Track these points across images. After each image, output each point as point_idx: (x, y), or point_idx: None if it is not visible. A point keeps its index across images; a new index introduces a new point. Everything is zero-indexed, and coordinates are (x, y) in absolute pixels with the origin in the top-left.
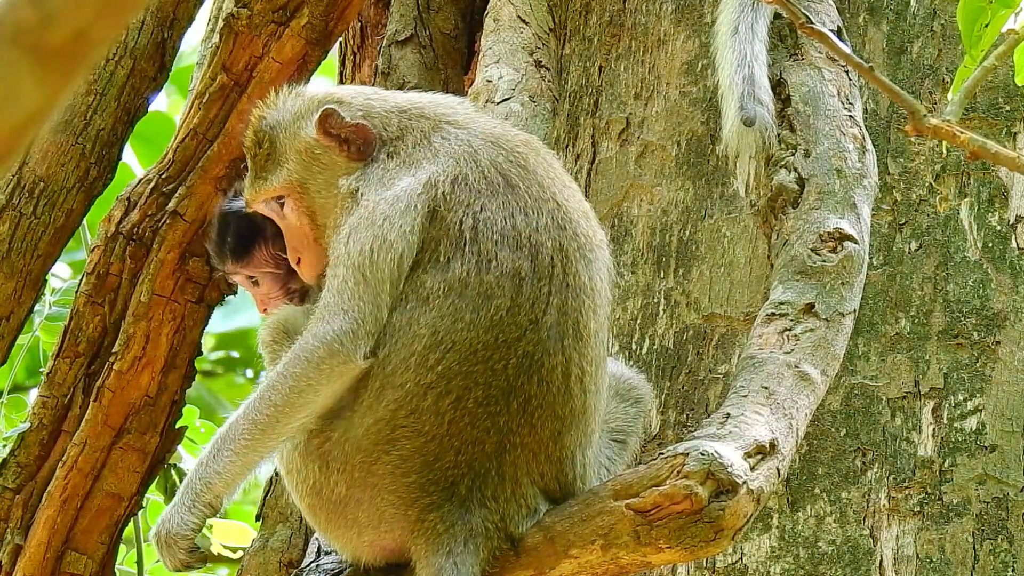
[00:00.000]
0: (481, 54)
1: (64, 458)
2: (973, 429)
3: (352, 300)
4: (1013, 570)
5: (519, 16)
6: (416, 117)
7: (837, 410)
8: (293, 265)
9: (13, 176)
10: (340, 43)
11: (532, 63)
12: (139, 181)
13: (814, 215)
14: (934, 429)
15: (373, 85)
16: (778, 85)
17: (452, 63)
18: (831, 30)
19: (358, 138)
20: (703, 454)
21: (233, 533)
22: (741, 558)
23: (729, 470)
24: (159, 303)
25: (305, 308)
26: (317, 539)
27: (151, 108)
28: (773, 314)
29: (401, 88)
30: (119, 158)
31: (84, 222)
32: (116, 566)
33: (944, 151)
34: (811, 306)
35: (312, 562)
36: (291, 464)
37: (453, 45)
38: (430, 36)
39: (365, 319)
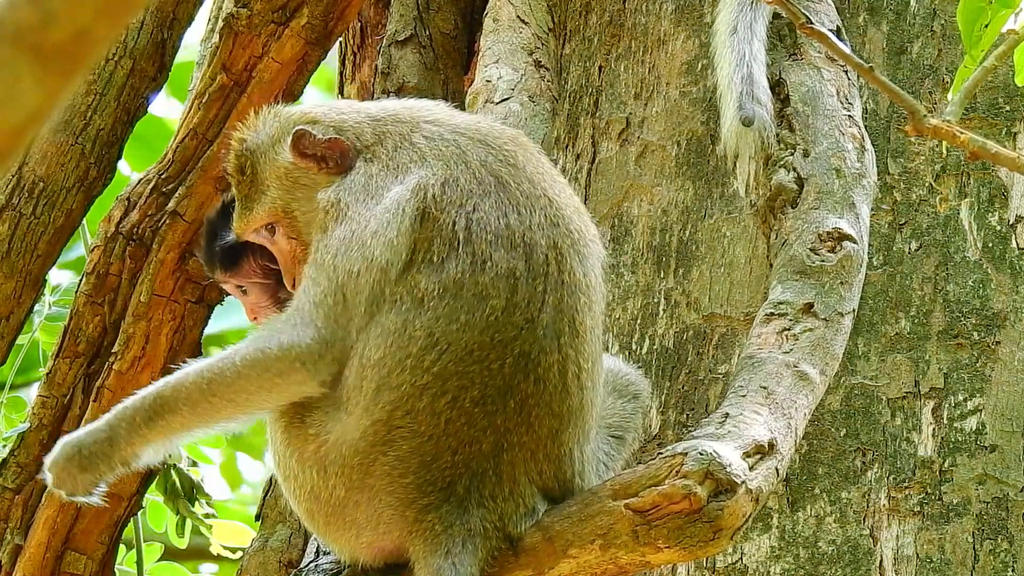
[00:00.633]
0: (481, 54)
1: None
2: (973, 429)
3: (327, 319)
4: (1013, 570)
5: (519, 16)
6: (391, 122)
7: (837, 410)
8: (288, 286)
9: (13, 176)
10: (340, 43)
11: (532, 63)
12: (139, 181)
13: (813, 215)
14: (934, 429)
15: (373, 85)
16: (777, 85)
17: (452, 63)
18: (831, 30)
19: (333, 153)
20: (702, 454)
21: (233, 533)
22: (741, 558)
23: (728, 470)
24: (159, 303)
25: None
26: (316, 539)
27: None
28: (772, 314)
29: (401, 88)
30: (119, 158)
31: (84, 222)
32: (116, 566)
33: (944, 151)
34: (810, 306)
35: (311, 562)
36: (288, 470)
37: (453, 45)
38: (430, 36)
39: (334, 344)
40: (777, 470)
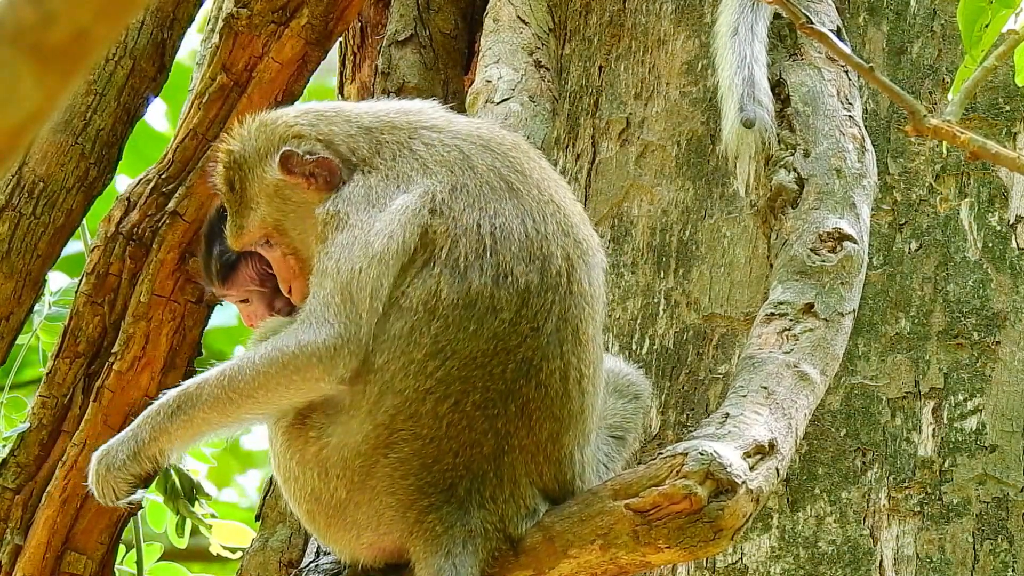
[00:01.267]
0: (481, 54)
1: (64, 458)
2: (973, 429)
3: (339, 316)
4: (1013, 570)
5: (519, 16)
6: (387, 130)
7: (837, 410)
8: (284, 292)
9: (13, 176)
10: (340, 43)
11: (532, 63)
12: (139, 181)
13: (813, 215)
14: (934, 429)
15: (373, 85)
16: (778, 85)
17: (452, 63)
18: (831, 30)
19: (323, 171)
20: (702, 454)
21: (232, 533)
22: (741, 558)
23: (728, 470)
24: (159, 303)
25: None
26: (316, 540)
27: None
28: (772, 314)
29: (401, 88)
30: (119, 158)
31: (84, 222)
32: (116, 566)
33: (944, 151)
34: (810, 306)
35: (311, 562)
36: (288, 472)
37: (453, 45)
38: (430, 36)
39: (349, 339)
40: (777, 470)
